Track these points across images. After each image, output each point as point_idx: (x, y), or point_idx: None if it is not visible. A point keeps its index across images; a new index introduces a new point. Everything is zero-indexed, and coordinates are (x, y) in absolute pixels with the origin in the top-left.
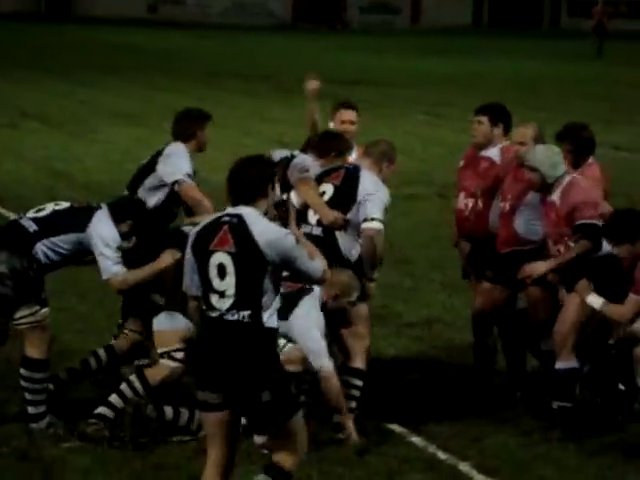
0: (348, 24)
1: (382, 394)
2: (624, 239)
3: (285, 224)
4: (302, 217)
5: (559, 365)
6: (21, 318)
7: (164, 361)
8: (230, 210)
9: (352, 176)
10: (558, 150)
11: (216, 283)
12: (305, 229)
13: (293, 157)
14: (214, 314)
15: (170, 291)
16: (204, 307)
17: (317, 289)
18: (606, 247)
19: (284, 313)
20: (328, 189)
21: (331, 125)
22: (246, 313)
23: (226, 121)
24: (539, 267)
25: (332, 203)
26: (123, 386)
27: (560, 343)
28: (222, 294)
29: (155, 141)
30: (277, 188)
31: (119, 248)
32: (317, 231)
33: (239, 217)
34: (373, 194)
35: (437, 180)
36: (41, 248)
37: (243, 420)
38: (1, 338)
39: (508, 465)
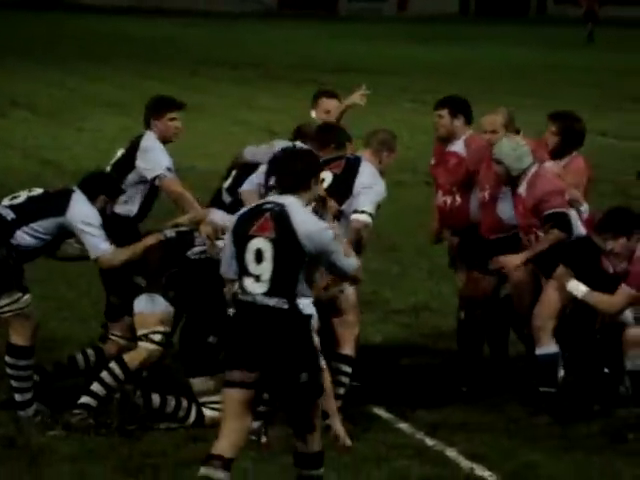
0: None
1: (369, 380)
2: (620, 233)
3: (322, 219)
4: None
5: (539, 351)
6: (4, 307)
7: (142, 344)
8: (273, 198)
9: (352, 167)
10: (524, 142)
11: (252, 267)
12: None
13: (295, 147)
14: (248, 298)
15: (152, 273)
16: (238, 290)
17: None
18: (578, 231)
19: None
20: (327, 177)
21: (313, 114)
22: (281, 300)
23: (214, 109)
24: (513, 260)
25: (330, 191)
26: (104, 374)
27: (539, 329)
28: (257, 278)
29: (142, 130)
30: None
31: (102, 226)
32: None
33: (282, 206)
34: (369, 187)
35: (423, 167)
36: (20, 235)
37: None
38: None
39: (495, 451)
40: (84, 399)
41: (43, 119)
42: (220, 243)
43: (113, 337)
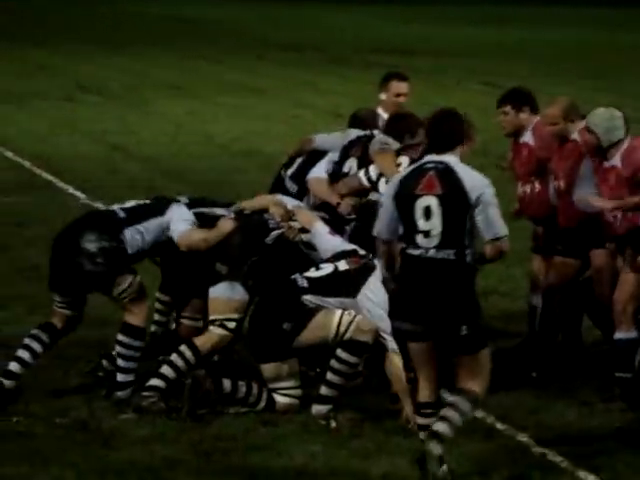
0: None
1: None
2: None
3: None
4: (374, 186)
5: (618, 335)
6: (122, 293)
7: (214, 328)
8: (432, 158)
9: None
10: (619, 115)
11: (421, 224)
12: (373, 197)
13: (373, 135)
14: (417, 252)
15: (234, 260)
16: (406, 246)
17: (379, 267)
18: None
19: (350, 290)
20: (404, 161)
21: (382, 97)
22: (451, 251)
23: (280, 93)
24: (607, 204)
25: None
26: (174, 357)
27: (619, 313)
28: (427, 234)
29: (208, 113)
30: (355, 165)
31: (193, 223)
32: None
33: (444, 163)
34: None
35: (494, 150)
36: (129, 233)
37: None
38: (76, 322)
39: (566, 437)
40: (153, 381)
41: (110, 103)
42: (296, 224)
43: (184, 320)
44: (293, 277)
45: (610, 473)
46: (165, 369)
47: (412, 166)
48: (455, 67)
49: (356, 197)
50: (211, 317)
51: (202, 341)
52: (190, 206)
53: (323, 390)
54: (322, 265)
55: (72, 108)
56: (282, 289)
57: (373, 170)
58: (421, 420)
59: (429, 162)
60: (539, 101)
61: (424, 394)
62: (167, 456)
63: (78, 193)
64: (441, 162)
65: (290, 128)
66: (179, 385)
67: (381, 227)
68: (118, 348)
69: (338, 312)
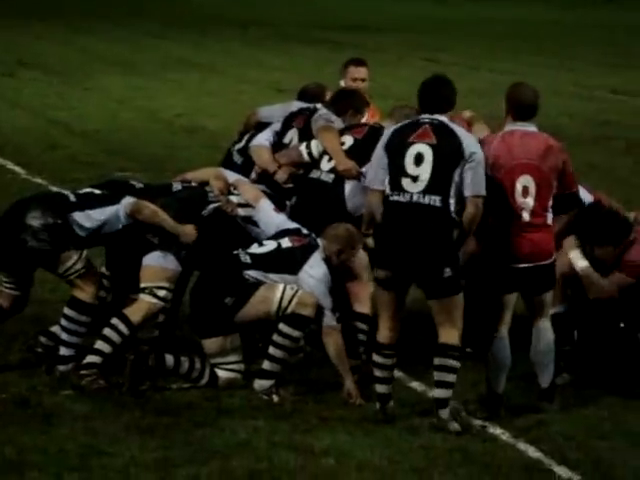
0: None
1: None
2: (608, 243)
3: None
4: (315, 164)
5: (554, 310)
6: (67, 270)
7: (143, 296)
8: (427, 116)
9: (374, 134)
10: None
11: (411, 169)
12: (314, 174)
13: (315, 109)
14: (404, 198)
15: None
16: (391, 192)
17: (321, 245)
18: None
19: (292, 267)
20: (348, 140)
21: (342, 83)
22: (437, 198)
23: (224, 69)
24: None
25: (349, 153)
26: (107, 330)
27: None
28: (415, 178)
29: (152, 89)
30: (296, 136)
31: None
32: (327, 177)
33: (439, 120)
34: None
35: None
36: (78, 216)
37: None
38: (22, 303)
39: (506, 410)
40: (90, 358)
41: (51, 78)
42: (235, 199)
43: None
44: (236, 252)
45: (550, 445)
46: (100, 344)
47: (407, 120)
48: (398, 43)
49: (294, 168)
50: (142, 285)
51: (132, 311)
52: (142, 191)
53: (266, 365)
54: (265, 242)
55: (13, 83)
56: (224, 264)
57: (315, 146)
58: (379, 359)
59: (424, 118)
60: (483, 79)
61: (385, 335)
62: (108, 432)
63: (17, 168)
64: (436, 119)
65: (233, 104)
66: (120, 359)
67: (372, 176)
68: (63, 321)
69: (280, 286)
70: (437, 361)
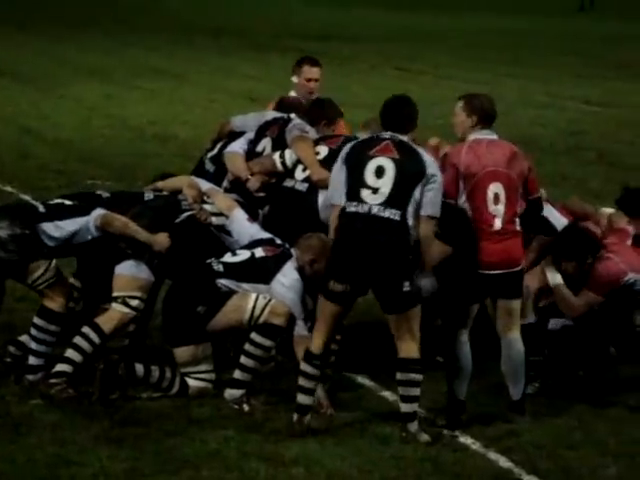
0: None
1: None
2: (573, 258)
3: None
4: (289, 173)
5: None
6: (37, 280)
7: (117, 306)
8: (388, 133)
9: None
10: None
11: (371, 181)
12: (288, 183)
13: (290, 119)
14: (362, 209)
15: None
16: (348, 203)
17: (295, 255)
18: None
19: (265, 277)
20: (323, 150)
21: (294, 80)
22: (397, 212)
23: (196, 78)
24: None
25: (324, 164)
26: (77, 339)
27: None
28: (375, 190)
29: (124, 97)
30: (269, 145)
31: None
32: (301, 187)
33: (400, 138)
34: None
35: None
36: (47, 227)
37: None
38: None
39: (477, 419)
40: (60, 367)
41: (23, 86)
42: (208, 207)
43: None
44: (209, 261)
45: (520, 455)
46: (70, 352)
47: (365, 136)
48: (371, 52)
49: (266, 177)
50: (114, 294)
51: (104, 320)
52: (111, 201)
53: (237, 374)
54: (238, 251)
55: None
56: (197, 272)
57: (289, 156)
58: (309, 369)
59: (385, 135)
60: (455, 88)
61: (318, 345)
62: (77, 442)
63: None
64: (397, 136)
65: (206, 113)
66: (90, 369)
67: (332, 191)
68: (33, 331)
69: (253, 296)
70: (399, 376)
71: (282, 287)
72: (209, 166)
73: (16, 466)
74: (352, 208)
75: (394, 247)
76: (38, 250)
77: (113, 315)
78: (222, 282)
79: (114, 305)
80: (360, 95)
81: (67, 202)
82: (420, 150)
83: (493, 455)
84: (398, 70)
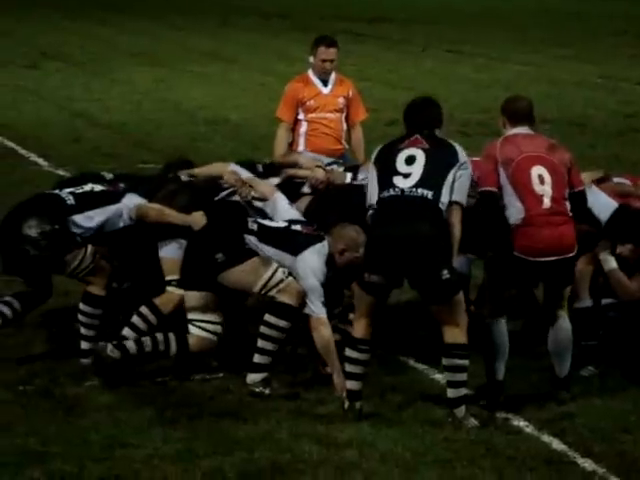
0: None
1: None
2: (629, 240)
3: None
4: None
5: (576, 305)
6: (75, 269)
7: (172, 288)
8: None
9: None
10: None
11: (402, 168)
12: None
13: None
14: (394, 192)
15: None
16: (380, 191)
17: (327, 241)
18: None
19: (293, 249)
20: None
21: (311, 60)
22: (429, 192)
23: (246, 61)
24: None
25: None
26: (135, 319)
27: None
28: (407, 175)
29: (174, 81)
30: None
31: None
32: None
33: (429, 132)
34: None
35: (459, 117)
36: (78, 219)
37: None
38: (46, 294)
39: (530, 402)
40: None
41: (75, 70)
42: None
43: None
44: (245, 208)
45: (574, 437)
46: (127, 332)
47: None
48: (422, 34)
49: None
50: (167, 278)
51: (163, 302)
52: (117, 181)
53: (256, 358)
54: (276, 221)
55: (36, 75)
56: (229, 220)
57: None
58: (354, 354)
59: (413, 132)
60: (506, 70)
61: (360, 331)
62: (132, 423)
63: (41, 161)
64: (426, 131)
65: (256, 96)
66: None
67: (369, 195)
68: (80, 316)
69: (274, 265)
70: (445, 362)
71: (305, 265)
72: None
73: (71, 447)
74: (384, 194)
75: (429, 230)
76: (70, 242)
77: (171, 297)
78: (250, 239)
79: (169, 288)
80: (412, 78)
81: (97, 188)
82: (449, 140)
83: (546, 438)
84: (450, 52)
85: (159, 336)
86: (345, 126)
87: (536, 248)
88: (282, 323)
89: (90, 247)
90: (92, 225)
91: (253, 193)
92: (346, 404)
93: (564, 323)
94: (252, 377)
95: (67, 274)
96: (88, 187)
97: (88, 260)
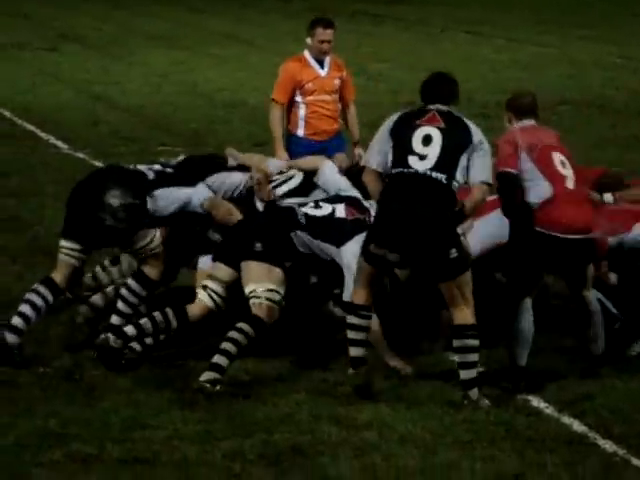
0: None
1: None
2: None
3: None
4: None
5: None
6: (142, 248)
7: (260, 301)
8: (432, 106)
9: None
10: None
11: (419, 148)
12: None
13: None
14: (408, 172)
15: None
16: (394, 167)
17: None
18: None
19: (338, 240)
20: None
21: (308, 41)
22: (443, 175)
23: (264, 43)
24: None
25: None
26: (157, 314)
27: None
28: (423, 157)
29: (193, 64)
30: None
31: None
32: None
33: (446, 109)
34: None
35: (480, 99)
36: (156, 194)
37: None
38: (78, 275)
39: (550, 383)
40: (216, 358)
41: (93, 53)
42: (283, 189)
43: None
44: (294, 208)
45: (595, 419)
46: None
47: (408, 109)
48: (440, 15)
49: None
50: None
51: (192, 308)
52: (183, 165)
53: (217, 358)
54: (321, 203)
55: (55, 58)
56: (280, 214)
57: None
58: (356, 320)
59: (429, 106)
60: (526, 51)
61: (360, 296)
62: (151, 405)
63: (60, 143)
64: (442, 108)
65: (274, 79)
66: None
67: (370, 156)
68: (124, 291)
69: (274, 285)
70: (456, 343)
71: (351, 255)
72: None
73: (91, 429)
74: (398, 169)
75: (438, 210)
76: (144, 219)
77: (203, 304)
78: (302, 236)
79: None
80: (430, 59)
81: (169, 169)
82: (465, 119)
83: (567, 419)
84: (468, 34)
85: (157, 315)
86: (340, 105)
87: (562, 223)
88: (251, 333)
89: (161, 229)
90: (164, 204)
91: (277, 192)
92: (350, 370)
93: (593, 301)
94: (208, 375)
95: (133, 250)
96: (159, 166)
97: (157, 241)
